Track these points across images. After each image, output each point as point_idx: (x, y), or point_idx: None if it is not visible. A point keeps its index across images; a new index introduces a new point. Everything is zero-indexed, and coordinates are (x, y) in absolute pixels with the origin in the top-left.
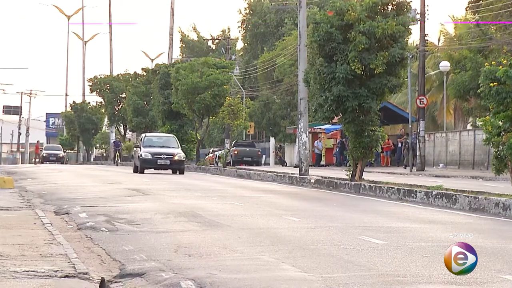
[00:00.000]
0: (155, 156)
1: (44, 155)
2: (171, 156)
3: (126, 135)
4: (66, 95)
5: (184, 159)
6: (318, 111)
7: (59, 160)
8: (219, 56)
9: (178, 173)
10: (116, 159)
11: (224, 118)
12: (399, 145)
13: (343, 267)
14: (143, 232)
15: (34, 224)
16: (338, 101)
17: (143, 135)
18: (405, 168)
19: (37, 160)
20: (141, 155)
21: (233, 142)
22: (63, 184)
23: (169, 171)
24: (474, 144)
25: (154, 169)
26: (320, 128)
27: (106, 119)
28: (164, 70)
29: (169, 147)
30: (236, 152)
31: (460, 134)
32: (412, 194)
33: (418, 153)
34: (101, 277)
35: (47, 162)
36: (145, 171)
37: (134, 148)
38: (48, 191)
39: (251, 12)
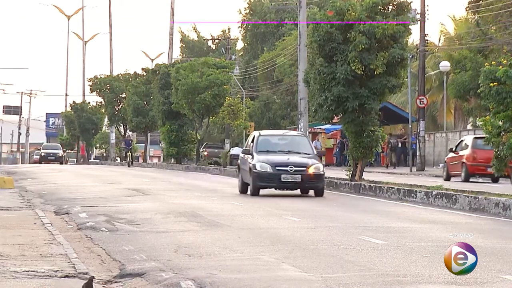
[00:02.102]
0: (277, 168)
1: (42, 154)
2: (303, 169)
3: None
4: (66, 95)
5: (323, 172)
6: (318, 111)
7: (58, 159)
8: (219, 56)
9: (314, 194)
10: (128, 159)
11: (224, 118)
12: (399, 145)
13: (343, 267)
14: (143, 232)
15: (34, 224)
16: (338, 101)
17: (255, 134)
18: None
19: (81, 160)
20: (254, 167)
21: (204, 144)
22: (63, 184)
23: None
24: None
25: (276, 188)
26: (320, 128)
27: (106, 119)
28: (164, 70)
29: (298, 153)
30: (206, 153)
31: (460, 134)
32: (412, 194)
33: (418, 153)
34: (91, 276)
35: (44, 162)
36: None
37: (241, 155)
38: (48, 191)
39: (251, 12)
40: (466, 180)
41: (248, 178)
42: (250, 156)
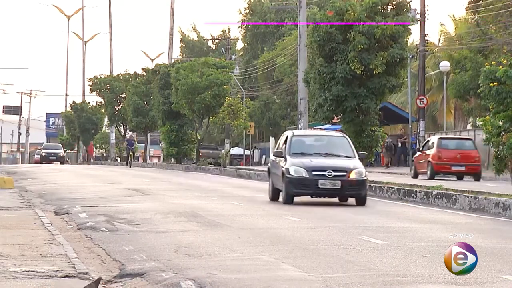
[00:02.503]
0: (314, 173)
1: (43, 154)
2: (343, 173)
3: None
4: (66, 95)
5: (366, 177)
6: (318, 111)
7: (59, 159)
8: (219, 56)
9: (356, 203)
10: (129, 159)
11: (224, 118)
12: (399, 145)
13: (343, 267)
14: (143, 232)
15: (34, 224)
16: (337, 101)
17: (288, 134)
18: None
19: (88, 160)
20: (288, 171)
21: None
22: (63, 184)
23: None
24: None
25: (312, 196)
26: (320, 128)
27: (106, 119)
28: (164, 70)
29: (338, 155)
30: (200, 154)
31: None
32: (412, 194)
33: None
34: (99, 277)
35: (45, 162)
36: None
37: (272, 158)
38: (48, 191)
39: (251, 12)
40: (431, 177)
41: (280, 184)
42: (283, 159)
